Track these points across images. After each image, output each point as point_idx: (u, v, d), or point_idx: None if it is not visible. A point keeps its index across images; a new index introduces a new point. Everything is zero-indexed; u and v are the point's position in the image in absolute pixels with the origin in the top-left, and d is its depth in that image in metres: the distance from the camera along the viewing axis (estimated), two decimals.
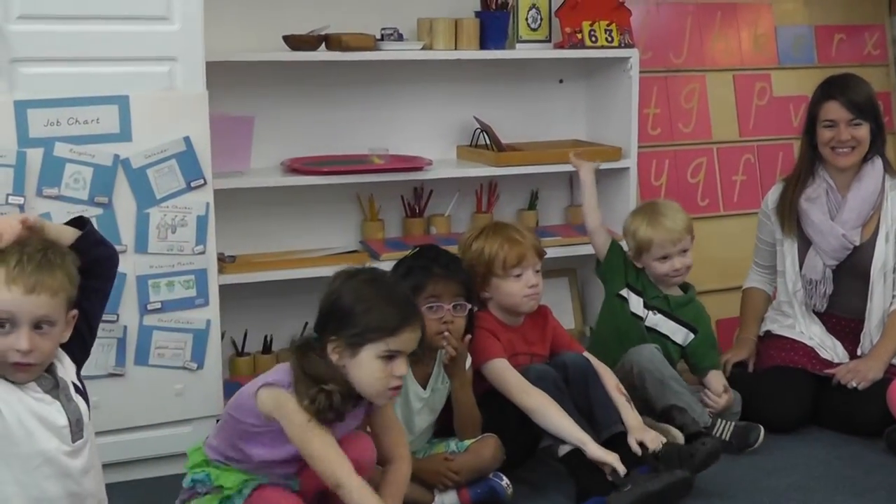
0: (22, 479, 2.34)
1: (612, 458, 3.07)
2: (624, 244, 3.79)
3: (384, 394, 2.72)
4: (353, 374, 2.67)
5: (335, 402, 2.63)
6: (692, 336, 3.72)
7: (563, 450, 3.17)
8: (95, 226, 2.69)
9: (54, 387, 2.40)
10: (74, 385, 2.44)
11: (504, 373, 3.24)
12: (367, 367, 2.66)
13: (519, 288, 3.35)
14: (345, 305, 2.68)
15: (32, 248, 2.34)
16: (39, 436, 2.34)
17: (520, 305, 3.39)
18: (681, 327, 3.72)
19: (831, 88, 3.83)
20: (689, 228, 3.71)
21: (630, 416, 3.28)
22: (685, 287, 3.79)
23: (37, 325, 2.33)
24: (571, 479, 3.19)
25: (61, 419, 2.38)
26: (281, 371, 2.74)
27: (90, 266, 2.49)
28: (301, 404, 2.63)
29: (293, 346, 2.75)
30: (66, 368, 2.45)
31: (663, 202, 3.86)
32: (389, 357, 2.66)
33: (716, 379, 3.69)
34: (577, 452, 3.14)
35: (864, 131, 3.77)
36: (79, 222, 2.52)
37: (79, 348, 2.51)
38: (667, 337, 3.70)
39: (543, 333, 3.48)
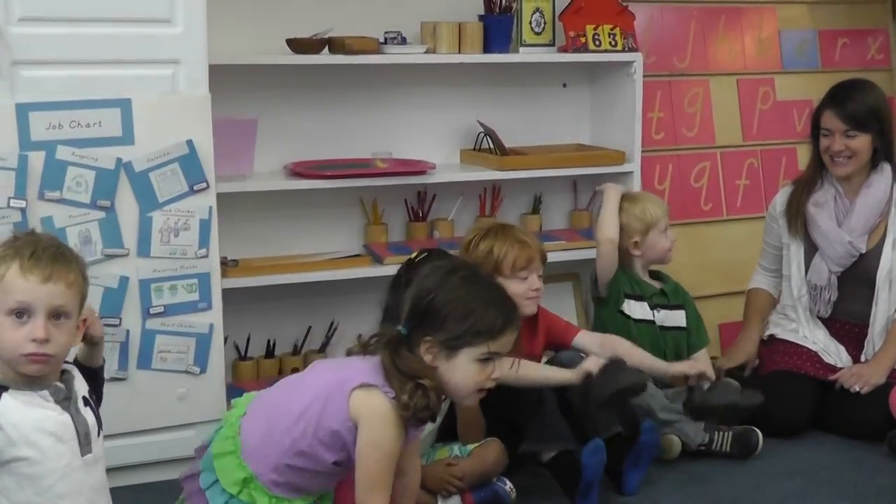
0: (36, 502, 2.32)
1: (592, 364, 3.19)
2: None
3: (474, 395, 2.61)
4: (446, 375, 2.54)
5: (431, 402, 2.50)
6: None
7: (547, 455, 3.18)
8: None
9: (66, 398, 2.38)
10: (84, 398, 2.43)
11: None
12: (463, 370, 2.52)
13: (523, 290, 3.35)
14: (443, 307, 2.51)
15: (45, 242, 2.36)
16: (51, 453, 2.32)
17: (521, 307, 3.38)
18: (681, 311, 3.76)
19: (831, 96, 3.83)
20: None
21: (656, 363, 3.51)
22: (658, 275, 3.83)
23: (52, 316, 2.32)
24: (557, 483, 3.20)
25: (70, 431, 2.36)
26: (367, 369, 2.53)
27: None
28: (399, 402, 2.47)
29: (381, 342, 2.55)
30: (80, 382, 2.44)
31: (629, 190, 3.98)
32: (487, 359, 2.54)
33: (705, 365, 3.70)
34: (561, 457, 3.15)
35: (859, 142, 3.76)
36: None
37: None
38: (677, 328, 3.72)
39: (536, 331, 3.49)
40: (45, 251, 2.32)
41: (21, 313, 2.29)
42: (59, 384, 2.38)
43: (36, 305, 2.29)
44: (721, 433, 3.51)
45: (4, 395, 2.31)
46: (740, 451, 3.50)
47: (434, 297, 2.54)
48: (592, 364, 3.22)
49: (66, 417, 2.36)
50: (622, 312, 3.70)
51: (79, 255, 2.42)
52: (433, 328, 2.52)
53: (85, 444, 2.38)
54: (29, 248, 2.32)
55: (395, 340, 2.54)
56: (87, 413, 2.41)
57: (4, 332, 2.30)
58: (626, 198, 3.82)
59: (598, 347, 3.44)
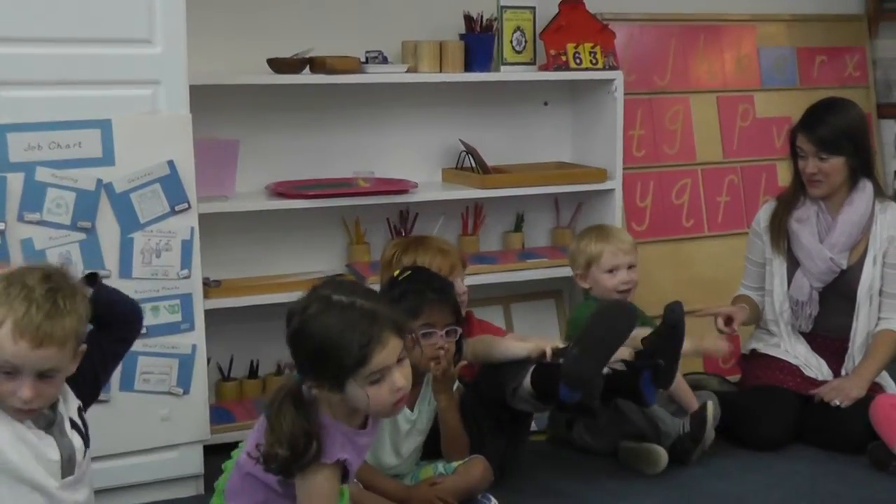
0: None
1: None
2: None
3: (392, 410, 2.53)
4: (354, 404, 2.49)
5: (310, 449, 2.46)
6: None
7: (527, 384, 3.19)
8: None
9: (49, 423, 2.37)
10: (71, 421, 2.42)
11: None
12: (363, 397, 2.44)
13: None
14: (306, 354, 2.48)
15: (40, 294, 2.28)
16: (30, 466, 2.32)
17: None
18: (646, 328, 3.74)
19: (805, 118, 3.85)
20: (634, 246, 3.81)
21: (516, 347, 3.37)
22: None
23: (40, 376, 2.29)
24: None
25: (52, 454, 2.35)
26: None
27: (110, 325, 2.50)
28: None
29: (281, 396, 2.52)
30: (67, 404, 2.43)
31: (609, 225, 3.97)
32: (378, 379, 2.44)
33: None
34: (539, 368, 3.18)
35: (831, 165, 3.78)
36: (91, 279, 2.50)
37: (89, 387, 2.50)
38: None
39: (468, 333, 3.48)
40: (39, 309, 2.25)
41: (9, 371, 2.27)
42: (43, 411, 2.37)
43: (24, 369, 2.27)
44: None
45: None
46: (693, 428, 3.51)
47: (297, 345, 2.50)
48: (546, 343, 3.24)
49: (49, 440, 2.35)
50: None
51: (76, 293, 2.35)
52: (310, 374, 2.49)
53: (67, 468, 2.37)
54: (22, 303, 2.25)
55: (295, 390, 2.51)
56: (73, 436, 2.40)
57: None
58: (587, 231, 3.86)
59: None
